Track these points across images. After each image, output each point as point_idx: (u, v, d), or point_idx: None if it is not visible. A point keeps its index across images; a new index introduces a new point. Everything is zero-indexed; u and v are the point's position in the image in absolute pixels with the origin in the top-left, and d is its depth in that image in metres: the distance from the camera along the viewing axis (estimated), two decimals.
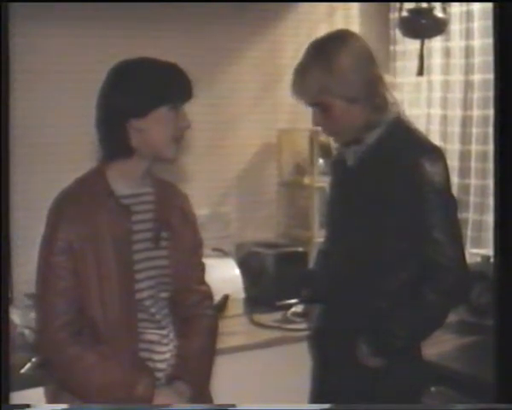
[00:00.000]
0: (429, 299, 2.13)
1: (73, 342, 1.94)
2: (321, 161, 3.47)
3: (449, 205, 2.18)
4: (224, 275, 3.10)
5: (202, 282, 2.20)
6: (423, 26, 3.25)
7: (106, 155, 2.04)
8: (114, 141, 2.00)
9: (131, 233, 2.02)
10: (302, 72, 2.19)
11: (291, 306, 3.13)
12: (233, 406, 1.95)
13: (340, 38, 2.20)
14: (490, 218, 3.28)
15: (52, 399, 2.07)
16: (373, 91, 2.17)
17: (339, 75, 2.13)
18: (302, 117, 3.37)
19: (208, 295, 2.21)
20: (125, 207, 2.03)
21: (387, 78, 2.30)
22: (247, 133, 3.50)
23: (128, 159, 2.01)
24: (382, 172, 2.20)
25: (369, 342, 2.19)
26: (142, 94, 1.96)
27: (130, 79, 1.99)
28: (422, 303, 2.14)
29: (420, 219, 2.14)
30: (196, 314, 2.14)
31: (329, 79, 2.13)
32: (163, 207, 2.09)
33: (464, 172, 3.42)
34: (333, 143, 2.85)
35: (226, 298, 3.08)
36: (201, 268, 2.21)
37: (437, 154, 2.21)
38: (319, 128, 2.32)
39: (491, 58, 3.12)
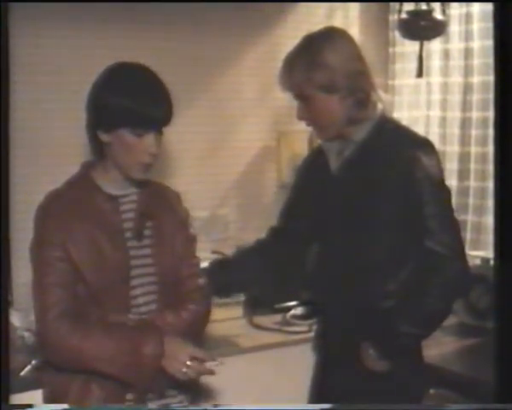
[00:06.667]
0: (432, 289, 2.14)
1: (76, 327, 1.95)
2: None
3: (444, 195, 2.22)
4: None
5: (196, 276, 2.18)
6: (422, 27, 3.25)
7: (90, 156, 2.08)
8: (92, 145, 2.05)
9: (122, 227, 2.04)
10: (288, 63, 2.24)
11: (290, 308, 3.12)
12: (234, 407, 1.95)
13: (326, 34, 2.26)
14: (489, 220, 3.28)
15: (50, 400, 2.06)
16: (355, 86, 2.19)
17: (320, 67, 2.17)
18: None
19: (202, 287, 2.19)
20: (113, 198, 2.05)
21: (377, 78, 2.31)
22: (247, 136, 3.49)
23: (105, 164, 2.04)
24: (375, 169, 2.21)
25: (375, 345, 2.18)
26: (107, 109, 1.96)
27: (106, 89, 1.98)
28: (425, 295, 2.15)
29: (418, 212, 2.15)
30: (188, 301, 2.12)
31: (311, 71, 2.18)
32: (147, 204, 2.09)
33: (463, 174, 3.43)
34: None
35: None
36: (195, 263, 2.20)
37: (430, 146, 2.26)
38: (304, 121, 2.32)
39: (490, 60, 3.13)
